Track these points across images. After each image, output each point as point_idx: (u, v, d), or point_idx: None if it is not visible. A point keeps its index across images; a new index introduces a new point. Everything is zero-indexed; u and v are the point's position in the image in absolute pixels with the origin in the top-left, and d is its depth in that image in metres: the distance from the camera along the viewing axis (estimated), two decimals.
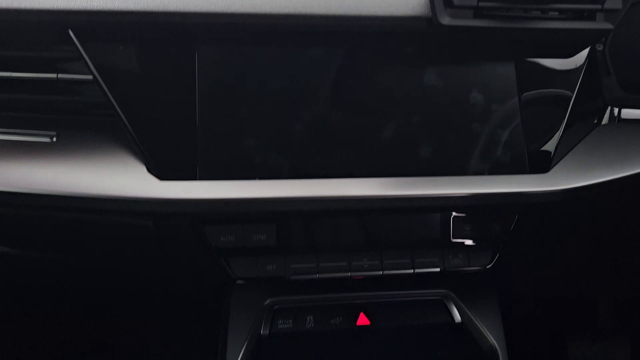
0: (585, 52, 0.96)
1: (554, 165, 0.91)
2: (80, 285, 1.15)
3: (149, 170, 0.83)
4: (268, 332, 0.99)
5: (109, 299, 1.28)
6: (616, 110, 1.01)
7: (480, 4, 0.82)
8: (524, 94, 0.92)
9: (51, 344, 1.49)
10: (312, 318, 1.01)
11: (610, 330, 1.70)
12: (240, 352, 0.98)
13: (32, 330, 1.45)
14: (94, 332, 1.50)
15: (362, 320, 1.02)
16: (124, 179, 0.83)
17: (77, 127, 0.88)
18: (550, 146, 0.92)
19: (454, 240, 0.96)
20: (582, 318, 1.72)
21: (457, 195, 0.87)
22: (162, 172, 0.83)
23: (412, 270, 0.96)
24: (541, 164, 0.91)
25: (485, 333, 1.03)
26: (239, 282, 0.95)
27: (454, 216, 0.95)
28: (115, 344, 1.50)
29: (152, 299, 1.25)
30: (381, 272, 0.95)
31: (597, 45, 0.99)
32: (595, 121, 1.00)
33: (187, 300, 1.19)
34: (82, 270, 1.05)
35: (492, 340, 1.03)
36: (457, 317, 1.04)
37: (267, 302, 1.01)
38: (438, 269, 0.97)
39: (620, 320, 1.70)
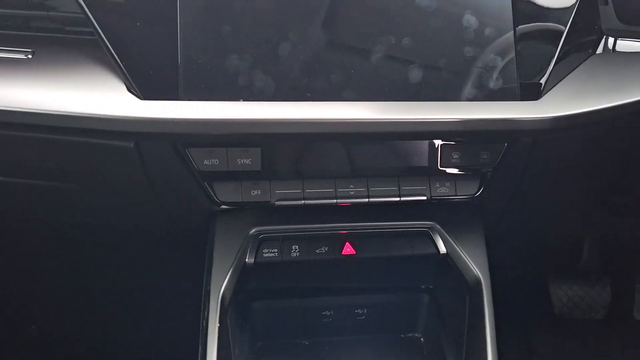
0: None
1: (545, 93, 0.89)
2: (67, 216, 1.15)
3: (129, 89, 0.80)
4: (253, 260, 0.99)
5: (94, 232, 1.28)
6: (611, 41, 0.99)
7: None
8: (518, 21, 0.89)
9: (44, 275, 1.51)
10: (297, 247, 1.01)
11: (592, 272, 1.74)
12: (225, 280, 0.98)
13: (24, 263, 1.46)
14: (79, 267, 1.51)
15: (348, 249, 1.02)
16: (103, 97, 0.80)
17: (54, 44, 0.85)
18: (542, 75, 0.90)
19: (442, 168, 0.95)
20: (565, 259, 1.75)
21: (445, 120, 0.85)
22: (142, 91, 0.80)
23: (398, 198, 0.95)
24: (533, 92, 0.89)
25: (469, 264, 1.04)
26: (224, 207, 0.94)
27: (442, 144, 0.94)
28: (101, 278, 1.51)
29: (138, 231, 1.24)
30: (367, 199, 0.95)
31: None
32: (590, 51, 0.97)
33: (173, 231, 1.18)
34: (67, 198, 1.04)
35: (476, 271, 1.03)
36: (442, 248, 1.04)
37: (253, 231, 1.00)
38: (424, 197, 0.96)
39: (603, 263, 1.73)
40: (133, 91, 0.80)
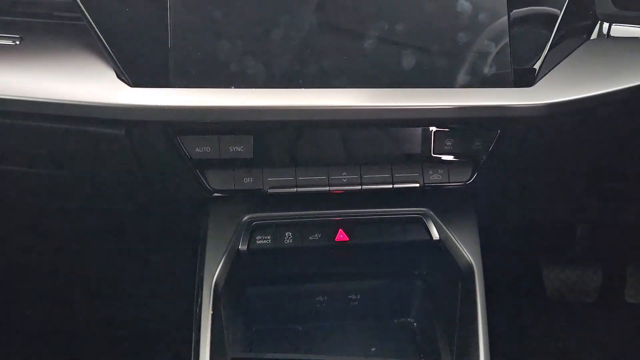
0: None
1: (539, 80, 0.89)
2: (59, 203, 1.14)
3: (119, 76, 0.79)
4: (246, 247, 0.99)
5: (88, 219, 1.28)
6: (606, 26, 0.98)
7: None
8: (513, 5, 0.88)
9: (39, 264, 1.51)
10: (290, 234, 1.01)
11: (584, 256, 1.75)
12: (218, 267, 0.98)
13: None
14: (73, 255, 1.51)
15: (341, 236, 1.02)
16: (92, 84, 0.79)
17: (43, 30, 0.84)
18: (536, 60, 0.89)
19: (435, 155, 0.95)
20: (558, 244, 1.76)
21: (438, 107, 0.84)
22: (132, 78, 0.79)
23: (391, 185, 0.95)
24: (527, 79, 0.88)
25: (462, 250, 1.04)
26: (216, 194, 0.94)
27: (435, 131, 0.93)
28: (95, 265, 1.52)
29: (130, 218, 1.24)
30: (360, 187, 0.95)
31: None
32: (585, 36, 0.97)
33: (166, 218, 1.18)
34: (59, 185, 1.04)
35: (469, 257, 1.04)
36: (435, 234, 1.04)
37: (246, 218, 1.01)
38: (417, 185, 0.96)
39: (594, 247, 1.74)
40: (123, 78, 0.79)
